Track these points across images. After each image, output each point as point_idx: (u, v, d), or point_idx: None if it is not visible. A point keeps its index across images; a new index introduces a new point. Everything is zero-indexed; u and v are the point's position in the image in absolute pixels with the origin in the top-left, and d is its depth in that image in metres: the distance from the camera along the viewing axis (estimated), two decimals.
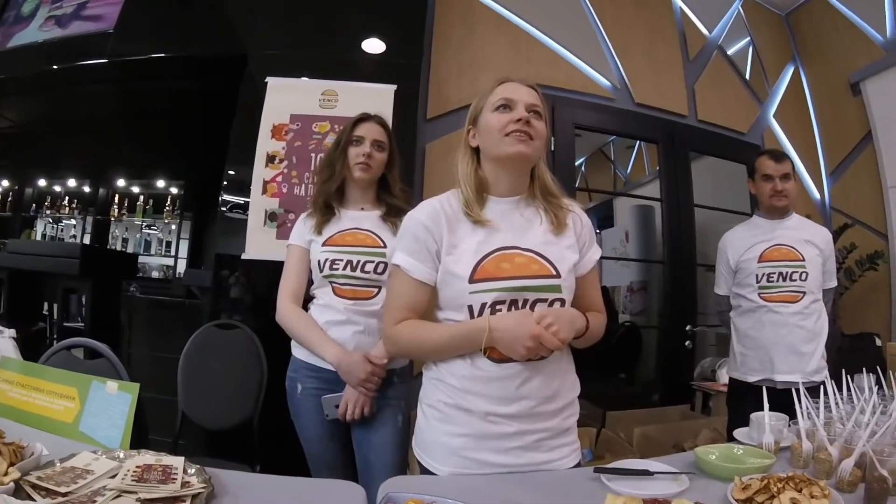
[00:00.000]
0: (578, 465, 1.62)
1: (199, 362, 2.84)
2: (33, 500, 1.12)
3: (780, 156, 2.94)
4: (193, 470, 1.31)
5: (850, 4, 5.08)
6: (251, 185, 3.41)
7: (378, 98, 3.46)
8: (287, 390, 2.27)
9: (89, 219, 5.39)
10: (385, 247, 2.18)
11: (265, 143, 3.46)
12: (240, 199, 3.45)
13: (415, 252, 1.56)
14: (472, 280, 1.49)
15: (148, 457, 1.36)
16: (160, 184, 5.53)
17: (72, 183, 5.58)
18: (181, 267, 5.21)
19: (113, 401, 1.62)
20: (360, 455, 2.17)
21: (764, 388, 1.91)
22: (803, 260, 2.83)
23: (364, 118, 2.31)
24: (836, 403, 1.78)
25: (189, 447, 2.81)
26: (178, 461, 1.33)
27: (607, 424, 3.77)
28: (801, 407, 1.71)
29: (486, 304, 1.48)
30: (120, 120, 4.77)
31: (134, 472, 1.26)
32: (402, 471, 2.14)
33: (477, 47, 4.19)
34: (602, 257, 1.83)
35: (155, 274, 5.49)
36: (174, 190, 5.47)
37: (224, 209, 3.48)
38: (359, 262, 2.16)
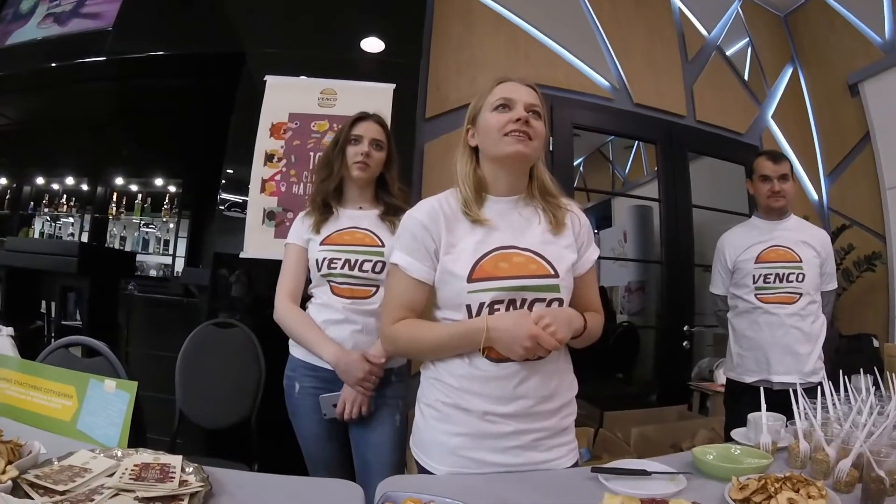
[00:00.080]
0: (576, 464, 1.62)
1: (196, 361, 2.84)
2: (31, 498, 1.12)
3: (778, 157, 2.95)
4: (191, 468, 1.31)
5: (848, 6, 5.08)
6: (249, 184, 3.40)
7: (377, 97, 3.46)
8: (285, 389, 2.27)
9: (87, 217, 5.37)
10: (383, 246, 2.18)
11: (264, 142, 3.45)
12: (238, 198, 3.44)
13: (413, 251, 1.56)
14: (470, 279, 1.49)
15: (146, 455, 1.36)
16: (158, 182, 5.53)
17: (70, 181, 5.57)
18: (179, 265, 5.21)
19: (111, 399, 1.62)
20: (358, 454, 2.17)
21: (761, 389, 1.91)
22: (800, 261, 2.83)
23: (362, 117, 2.31)
24: (834, 404, 1.79)
25: (187, 446, 2.80)
26: (175, 460, 1.33)
27: (605, 424, 3.77)
28: (798, 407, 1.71)
29: (484, 303, 1.48)
30: (118, 118, 4.77)
31: (132, 470, 1.26)
32: (400, 470, 2.14)
33: (476, 46, 4.18)
34: (600, 257, 1.83)
35: (153, 272, 5.48)
36: (172, 188, 5.46)
37: (222, 208, 3.48)
38: (357, 261, 2.16)
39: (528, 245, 1.55)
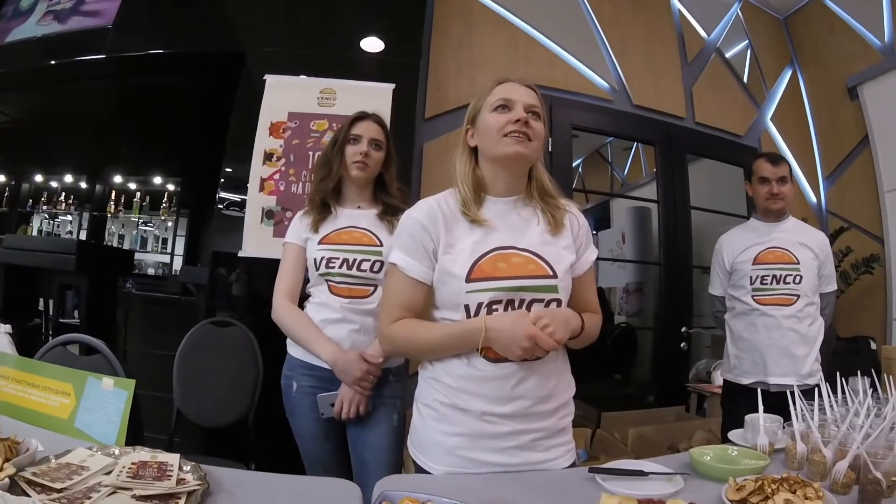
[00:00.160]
0: (573, 465, 1.62)
1: (194, 360, 2.84)
2: (28, 495, 1.11)
3: (777, 159, 2.95)
4: (189, 467, 1.31)
5: (848, 9, 5.09)
6: (248, 183, 3.41)
7: (376, 97, 3.46)
8: (282, 388, 2.26)
9: (86, 215, 5.37)
10: (381, 245, 2.18)
11: (263, 141, 3.46)
12: (237, 197, 3.44)
13: (411, 251, 1.56)
14: (468, 279, 1.49)
15: (143, 453, 1.36)
16: (157, 180, 5.53)
17: (69, 179, 5.56)
18: (177, 264, 5.21)
19: (108, 397, 1.62)
20: (355, 454, 2.17)
21: (758, 391, 1.91)
22: (798, 263, 2.84)
23: (361, 117, 2.31)
24: (831, 406, 1.79)
25: (184, 445, 2.80)
26: (173, 458, 1.33)
27: (602, 425, 3.77)
28: (795, 409, 1.72)
29: (482, 303, 1.49)
30: (117, 116, 4.76)
31: (129, 468, 1.26)
32: (397, 470, 2.15)
33: (475, 47, 4.19)
34: (598, 258, 1.83)
35: (151, 271, 5.48)
36: (171, 187, 5.46)
37: (221, 206, 3.48)
38: (355, 260, 2.16)
39: (526, 245, 1.55)
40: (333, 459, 2.21)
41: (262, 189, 3.39)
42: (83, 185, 5.51)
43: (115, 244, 5.47)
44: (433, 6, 4.12)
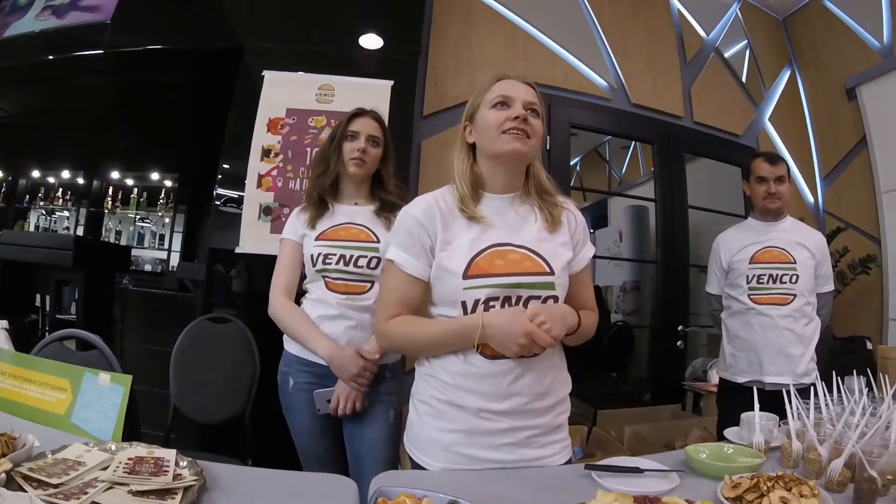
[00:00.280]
0: (569, 461, 1.63)
1: (191, 356, 2.84)
2: (25, 491, 1.11)
3: (775, 158, 2.96)
4: (185, 462, 1.31)
5: (847, 10, 5.09)
6: (246, 179, 3.40)
7: (375, 94, 3.46)
8: (279, 384, 2.26)
9: (83, 211, 5.37)
10: (378, 242, 2.18)
11: (261, 137, 3.45)
12: (234, 193, 3.44)
13: (408, 247, 1.56)
14: (465, 276, 1.49)
15: (140, 449, 1.36)
16: (154, 176, 5.52)
17: (66, 174, 5.56)
18: (174, 260, 5.21)
19: (105, 393, 1.62)
20: (352, 450, 2.17)
21: (754, 389, 1.92)
22: (794, 262, 2.84)
23: (359, 113, 2.30)
24: (826, 405, 1.79)
25: (181, 441, 2.81)
26: (169, 453, 1.33)
27: (598, 423, 3.78)
28: (791, 407, 1.72)
29: (479, 300, 1.49)
30: (115, 112, 4.76)
31: (125, 464, 1.26)
32: (394, 466, 2.14)
33: (474, 45, 4.19)
34: (596, 257, 1.84)
35: (148, 267, 5.48)
36: (168, 183, 5.46)
37: (218, 203, 3.47)
38: (352, 256, 2.16)
39: (523, 242, 1.55)
40: (330, 456, 2.21)
41: (259, 185, 3.39)
42: (80, 180, 5.51)
43: (112, 240, 5.47)
44: (432, 4, 4.12)
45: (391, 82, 3.55)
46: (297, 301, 2.25)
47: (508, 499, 1.29)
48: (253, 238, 3.34)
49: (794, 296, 2.83)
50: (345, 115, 2.31)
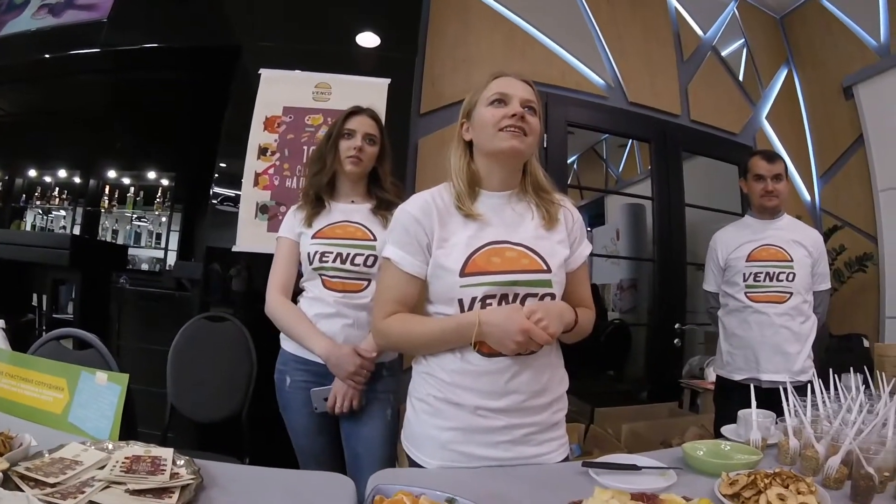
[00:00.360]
0: (567, 459, 1.62)
1: (188, 355, 2.83)
2: (21, 490, 1.11)
3: (772, 156, 2.96)
4: (182, 461, 1.31)
5: (844, 9, 5.10)
6: (243, 178, 3.40)
7: (371, 92, 3.45)
8: (276, 383, 2.26)
9: (79, 210, 5.37)
10: (375, 240, 2.18)
11: (257, 136, 3.45)
12: (231, 192, 3.43)
13: (405, 245, 1.56)
14: (462, 274, 1.49)
15: (137, 448, 1.36)
16: (151, 175, 5.51)
17: (62, 173, 5.56)
18: (171, 259, 5.20)
19: (102, 392, 1.62)
20: (349, 448, 2.17)
21: (751, 386, 1.92)
22: (791, 261, 2.85)
23: (356, 111, 2.30)
24: (824, 402, 1.79)
25: (178, 440, 2.80)
26: (167, 452, 1.33)
27: (596, 421, 3.78)
28: (788, 404, 1.72)
29: (476, 298, 1.49)
30: (112, 110, 4.74)
31: (122, 463, 1.26)
32: (391, 464, 2.14)
33: (472, 43, 4.19)
34: (593, 255, 1.84)
35: (145, 266, 5.48)
36: (165, 182, 5.45)
37: (215, 202, 3.47)
38: (349, 254, 2.15)
39: (520, 240, 1.55)
40: (327, 454, 2.21)
41: (256, 184, 3.39)
42: (77, 179, 5.50)
43: (108, 239, 5.47)
44: (430, 2, 4.11)
45: (388, 80, 3.54)
46: (294, 299, 2.25)
47: (506, 496, 1.29)
48: (250, 236, 3.33)
49: (791, 294, 2.83)
50: (341, 114, 2.31)
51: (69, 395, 1.65)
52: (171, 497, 1.15)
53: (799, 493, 1.22)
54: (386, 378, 2.19)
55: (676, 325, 4.54)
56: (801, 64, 5.61)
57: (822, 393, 1.81)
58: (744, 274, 2.91)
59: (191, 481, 1.21)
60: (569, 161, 5.30)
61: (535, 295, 1.52)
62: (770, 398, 1.87)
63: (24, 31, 4.24)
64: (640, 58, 4.74)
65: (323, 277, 2.17)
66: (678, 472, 1.45)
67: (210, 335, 2.91)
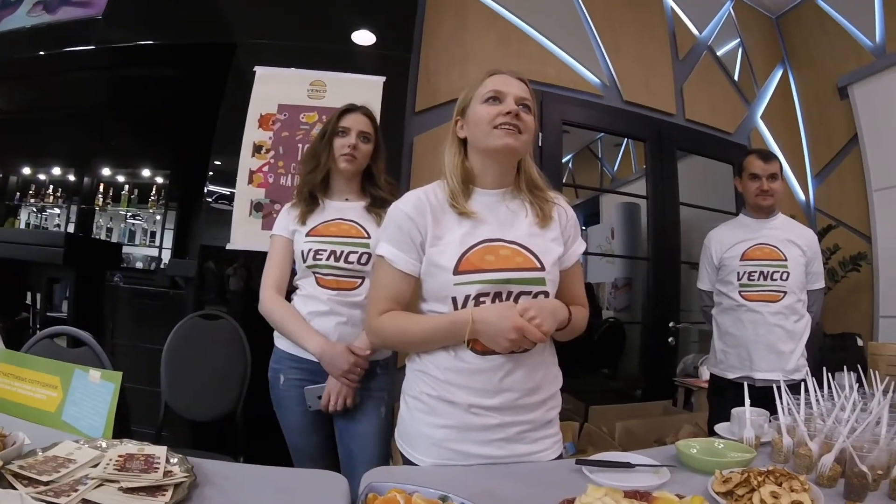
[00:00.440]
0: (560, 457, 1.63)
1: (182, 353, 2.83)
2: (15, 488, 1.11)
3: (768, 156, 2.96)
4: (176, 459, 1.31)
5: (840, 9, 5.11)
6: (237, 175, 3.39)
7: (367, 90, 3.45)
8: (270, 381, 2.26)
9: (74, 208, 5.34)
10: (369, 237, 2.18)
11: (252, 133, 3.45)
12: (225, 190, 3.43)
13: (399, 243, 1.56)
14: (456, 272, 1.49)
15: (130, 446, 1.36)
16: (146, 173, 5.49)
17: (56, 171, 5.53)
18: (166, 257, 5.18)
19: (96, 389, 1.62)
20: (343, 446, 2.17)
21: (745, 384, 1.92)
22: (785, 260, 2.85)
23: (350, 109, 2.30)
24: (817, 400, 1.80)
25: (172, 438, 2.80)
26: (160, 450, 1.33)
27: (590, 419, 3.79)
28: (781, 402, 1.73)
29: (469, 296, 1.48)
30: (106, 107, 4.73)
31: (116, 461, 1.26)
32: (385, 462, 2.14)
33: (467, 42, 4.18)
34: (588, 253, 1.84)
35: (139, 264, 5.45)
36: (160, 179, 5.43)
37: (210, 199, 3.46)
38: (342, 252, 2.15)
39: (514, 238, 1.55)
40: (321, 452, 2.21)
41: (250, 181, 3.38)
42: (71, 177, 5.47)
43: (103, 237, 5.44)
44: (425, 0, 4.11)
45: (383, 78, 3.55)
46: (288, 297, 2.25)
47: (499, 494, 1.29)
48: (244, 234, 3.33)
49: (785, 293, 2.84)
50: (335, 111, 2.31)
51: (63, 394, 1.64)
52: (164, 495, 1.16)
53: (792, 491, 1.22)
54: (380, 376, 2.20)
55: (671, 324, 4.54)
56: (796, 64, 5.62)
57: (815, 391, 1.82)
58: (738, 273, 2.91)
59: (184, 479, 1.22)
60: (564, 160, 5.30)
61: (528, 293, 1.52)
62: (764, 396, 1.87)
63: (20, 28, 4.23)
64: (636, 57, 4.74)
65: (317, 275, 2.17)
66: (672, 470, 1.45)
67: (204, 333, 2.90)
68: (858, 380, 1.92)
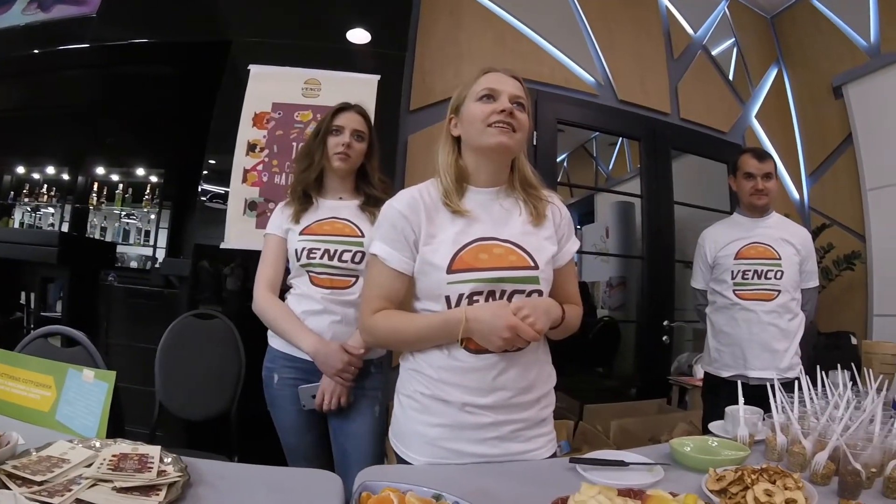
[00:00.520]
0: (554, 455, 1.63)
1: (176, 352, 2.82)
2: (9, 489, 1.11)
3: (763, 155, 2.96)
4: (170, 458, 1.30)
5: (835, 9, 5.12)
6: (231, 174, 3.38)
7: (361, 88, 3.45)
8: (263, 380, 2.26)
9: (68, 207, 5.34)
10: (363, 236, 2.17)
11: (246, 132, 3.44)
12: (220, 189, 3.42)
13: (392, 241, 1.55)
14: (449, 270, 1.49)
15: (124, 446, 1.35)
16: (140, 172, 5.50)
17: (51, 170, 5.52)
18: (160, 256, 5.18)
19: (89, 389, 1.61)
20: (337, 445, 2.17)
21: (739, 383, 1.93)
22: (779, 259, 2.86)
23: (344, 108, 2.30)
24: (811, 398, 1.80)
25: (166, 438, 2.79)
26: (154, 450, 1.32)
27: (585, 417, 3.79)
28: (775, 401, 1.73)
29: (463, 294, 1.48)
30: (100, 106, 4.72)
31: (110, 460, 1.26)
32: (379, 461, 2.14)
33: (462, 40, 4.18)
34: (582, 252, 1.84)
35: (133, 263, 5.46)
36: (154, 178, 5.43)
37: (204, 198, 3.45)
38: (336, 251, 2.15)
39: (508, 236, 1.55)
40: (315, 451, 2.21)
41: (245, 180, 3.38)
42: (65, 176, 5.48)
43: (97, 236, 5.44)
44: None
45: (378, 77, 3.55)
46: (282, 296, 2.25)
47: (493, 493, 1.29)
48: (238, 233, 3.32)
49: (779, 291, 2.84)
50: (329, 110, 2.30)
51: (56, 393, 1.64)
52: (158, 494, 1.15)
53: (786, 489, 1.23)
54: (374, 375, 2.19)
55: (665, 323, 4.55)
56: (791, 63, 5.63)
57: (809, 389, 1.82)
58: (732, 271, 2.92)
59: (178, 479, 1.21)
60: (559, 159, 5.31)
61: (522, 291, 1.52)
62: (758, 395, 1.88)
63: (14, 26, 4.21)
64: (631, 56, 4.75)
65: (310, 274, 2.17)
66: (666, 468, 1.45)
67: (198, 333, 2.90)
68: (852, 378, 1.93)
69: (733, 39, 5.44)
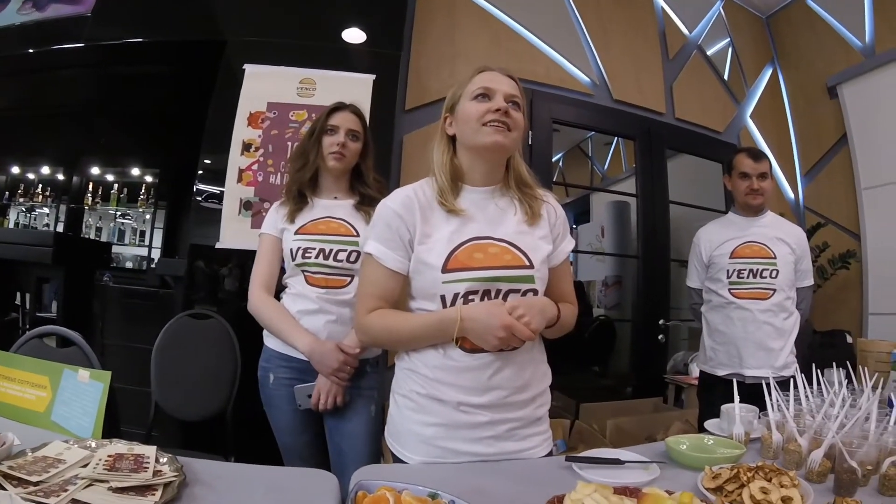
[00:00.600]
0: (550, 454, 1.63)
1: (172, 352, 2.82)
2: (4, 489, 1.11)
3: (758, 154, 2.97)
4: (165, 459, 1.30)
5: (830, 9, 5.13)
6: (226, 174, 3.38)
7: (356, 88, 3.45)
8: (259, 380, 2.25)
9: (63, 207, 5.32)
10: (358, 236, 2.17)
11: (241, 131, 3.44)
12: (215, 189, 3.41)
13: (387, 240, 1.55)
14: (444, 270, 1.49)
15: (120, 446, 1.35)
16: (135, 172, 5.47)
17: (46, 170, 5.50)
18: (155, 256, 5.17)
19: (85, 389, 1.61)
20: (333, 444, 2.17)
21: (734, 381, 1.93)
22: (775, 258, 2.86)
23: (339, 107, 2.30)
24: (806, 396, 1.81)
25: (162, 439, 2.78)
26: (150, 450, 1.32)
27: (581, 416, 3.80)
28: (771, 399, 1.73)
29: (458, 294, 1.48)
30: (95, 106, 4.70)
31: (106, 461, 1.25)
32: (375, 460, 2.14)
33: (457, 40, 4.18)
34: (578, 252, 1.85)
35: (129, 263, 5.43)
36: (149, 178, 5.41)
37: (199, 198, 3.45)
38: (331, 250, 2.15)
39: (503, 236, 1.55)
40: (311, 450, 2.21)
41: (240, 180, 3.38)
42: (60, 176, 5.44)
43: (92, 237, 5.41)
44: None
45: (373, 76, 3.55)
46: (277, 296, 2.24)
47: (489, 491, 1.29)
48: (233, 233, 3.32)
49: (774, 290, 2.85)
50: (324, 109, 2.31)
51: (52, 393, 1.64)
52: (153, 494, 1.15)
53: (782, 487, 1.23)
54: (370, 374, 2.20)
55: (661, 321, 4.56)
56: (785, 63, 5.65)
57: (804, 388, 1.83)
58: (727, 270, 2.92)
59: (174, 478, 1.21)
60: (554, 158, 5.31)
61: (517, 291, 1.52)
62: (753, 393, 1.88)
63: (9, 26, 4.20)
64: (626, 56, 4.75)
65: (306, 274, 2.17)
66: (661, 467, 1.46)
67: (194, 333, 2.90)
68: (847, 376, 1.94)
69: (728, 39, 5.45)
